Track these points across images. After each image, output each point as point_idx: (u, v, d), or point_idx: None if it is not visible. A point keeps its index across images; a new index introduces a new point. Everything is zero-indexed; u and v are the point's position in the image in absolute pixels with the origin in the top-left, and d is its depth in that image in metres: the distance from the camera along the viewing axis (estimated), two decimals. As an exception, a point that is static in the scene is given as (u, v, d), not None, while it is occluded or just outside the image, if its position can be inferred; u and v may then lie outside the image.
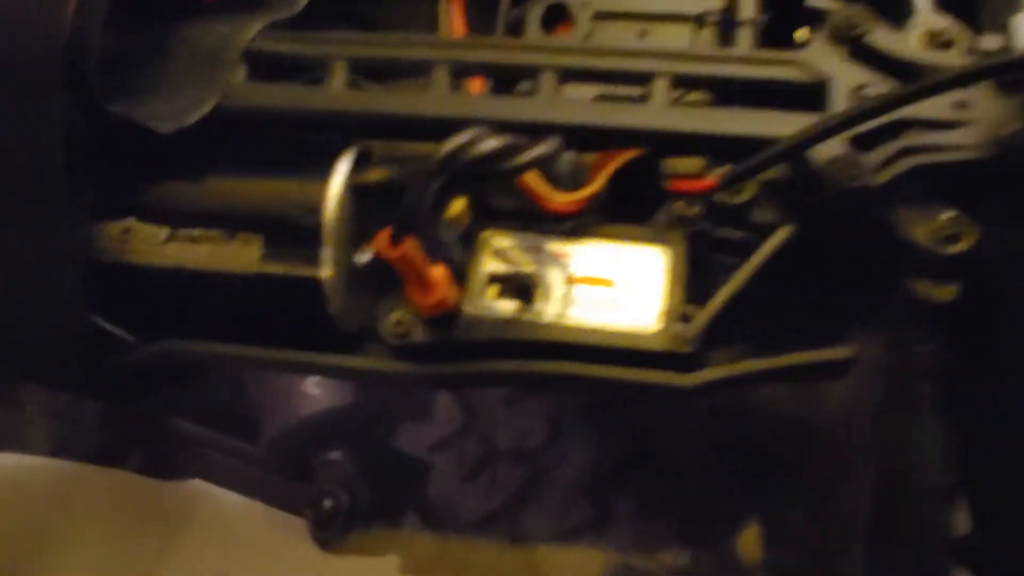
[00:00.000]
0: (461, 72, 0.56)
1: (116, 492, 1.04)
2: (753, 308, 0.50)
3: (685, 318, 0.49)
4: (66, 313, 0.53)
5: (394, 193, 0.49)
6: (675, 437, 1.00)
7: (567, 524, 0.96)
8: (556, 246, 0.53)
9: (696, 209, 0.52)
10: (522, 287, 0.52)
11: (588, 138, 0.52)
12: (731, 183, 0.50)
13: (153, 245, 0.52)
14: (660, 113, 0.51)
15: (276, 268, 0.51)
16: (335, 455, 1.03)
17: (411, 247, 0.49)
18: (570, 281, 0.51)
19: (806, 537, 0.88)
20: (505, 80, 0.57)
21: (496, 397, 1.04)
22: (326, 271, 0.50)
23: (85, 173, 0.51)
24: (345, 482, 1.01)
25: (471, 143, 0.46)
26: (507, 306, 0.51)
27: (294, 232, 0.51)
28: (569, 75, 0.54)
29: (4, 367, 0.59)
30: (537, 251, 0.53)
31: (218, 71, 0.53)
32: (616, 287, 0.51)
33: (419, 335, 0.51)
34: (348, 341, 0.54)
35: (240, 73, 0.55)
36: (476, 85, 0.58)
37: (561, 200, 0.52)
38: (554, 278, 0.51)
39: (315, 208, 0.51)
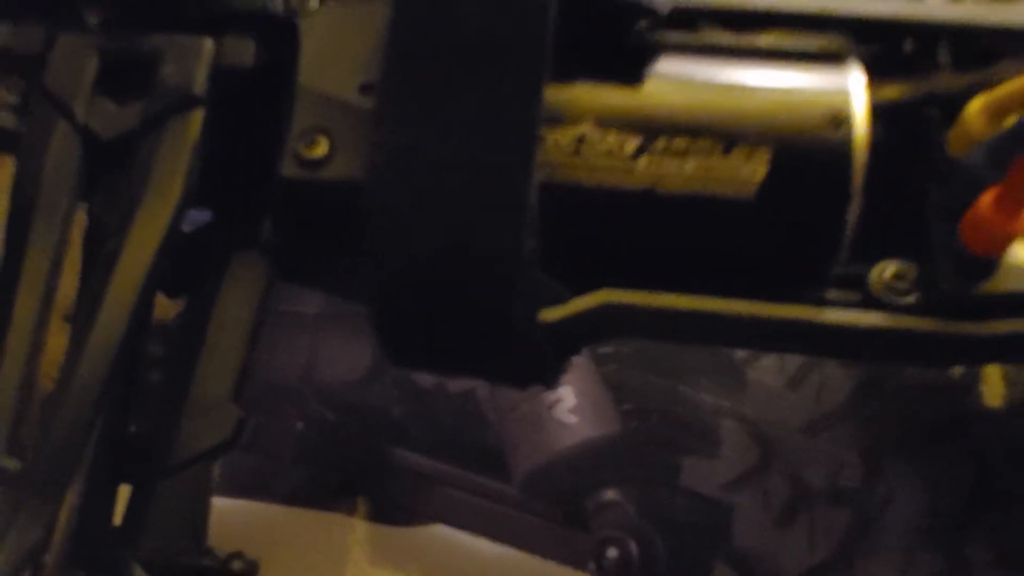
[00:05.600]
0: None
1: (350, 540, 0.96)
2: None
3: None
4: (504, 254, 0.41)
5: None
6: (1025, 467, 0.87)
7: (912, 577, 0.85)
8: None
9: None
10: None
11: None
12: None
13: (618, 159, 0.43)
14: None
15: (783, 191, 0.43)
16: (610, 495, 0.91)
17: None
18: None
19: None
20: None
21: (795, 425, 0.91)
22: (856, 201, 0.42)
23: (542, 61, 0.42)
24: (629, 527, 0.89)
25: None
26: None
27: (808, 150, 0.43)
28: None
29: (390, 330, 0.43)
30: None
31: None
32: None
33: (948, 284, 0.43)
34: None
35: None
36: None
37: None
38: None
39: (840, 120, 0.43)
